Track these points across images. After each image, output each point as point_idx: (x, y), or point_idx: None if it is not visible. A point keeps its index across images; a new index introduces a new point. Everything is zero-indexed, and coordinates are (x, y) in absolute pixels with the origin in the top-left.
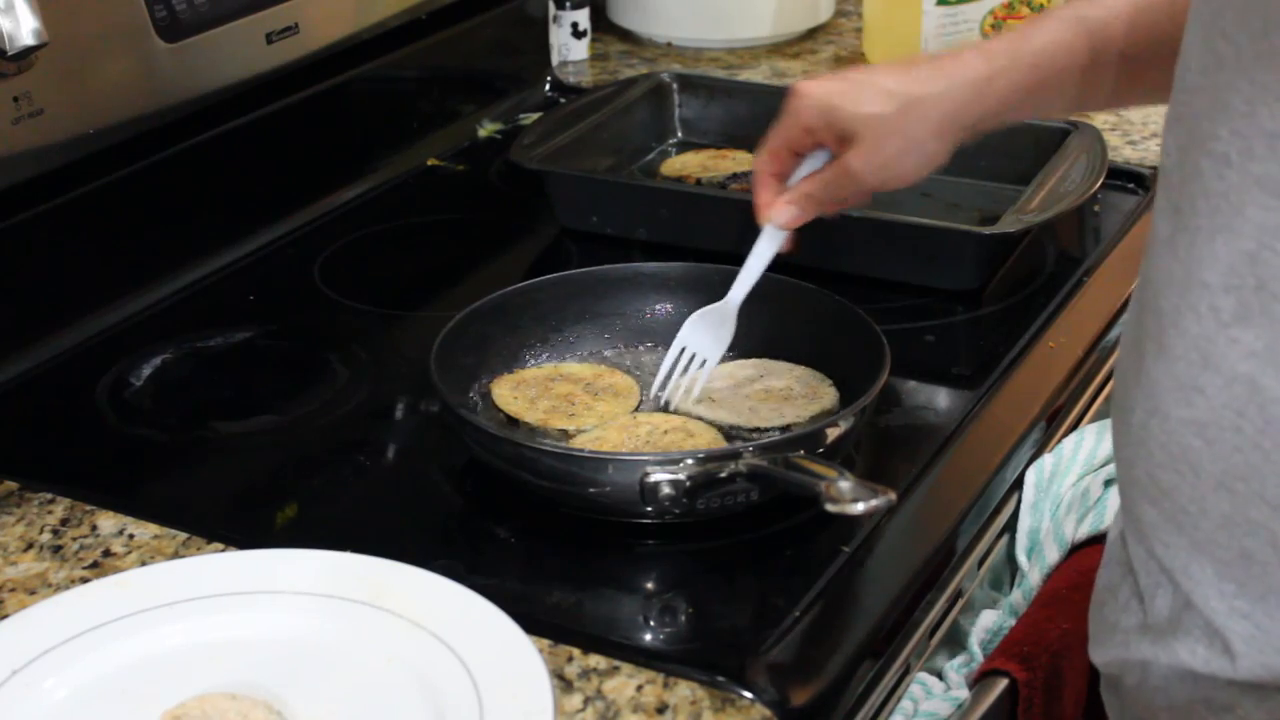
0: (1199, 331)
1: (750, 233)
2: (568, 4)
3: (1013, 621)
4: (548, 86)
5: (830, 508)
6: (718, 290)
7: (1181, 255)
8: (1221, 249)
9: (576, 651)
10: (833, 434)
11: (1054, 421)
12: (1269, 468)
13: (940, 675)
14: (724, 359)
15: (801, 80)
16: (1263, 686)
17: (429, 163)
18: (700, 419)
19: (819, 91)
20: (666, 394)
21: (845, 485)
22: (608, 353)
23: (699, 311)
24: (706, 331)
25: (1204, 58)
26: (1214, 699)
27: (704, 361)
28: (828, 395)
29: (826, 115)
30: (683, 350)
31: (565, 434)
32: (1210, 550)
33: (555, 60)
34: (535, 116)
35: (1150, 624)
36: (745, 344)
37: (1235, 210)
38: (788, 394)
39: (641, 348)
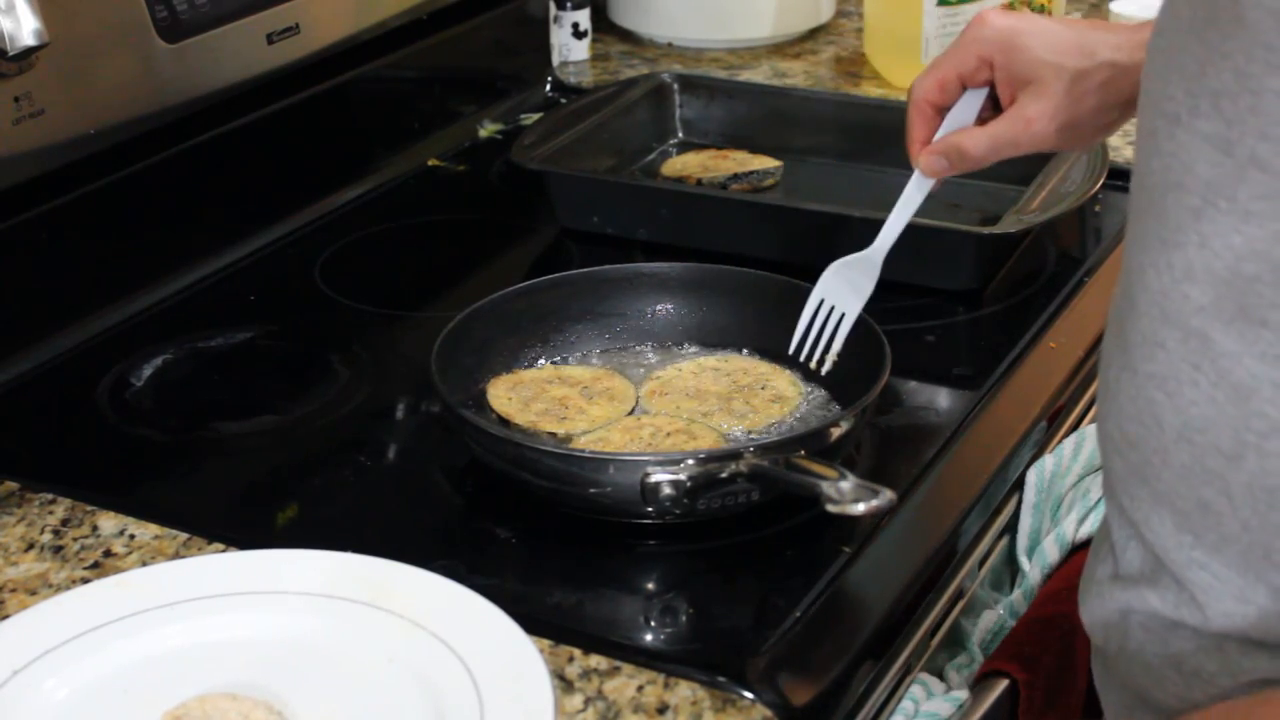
0: (1158, 287)
1: (751, 234)
2: (568, 4)
3: (1013, 622)
4: (548, 87)
5: (831, 508)
6: (718, 290)
7: (1141, 214)
8: (1171, 205)
9: (577, 652)
10: (834, 434)
11: (1055, 422)
12: (1223, 419)
13: (941, 676)
14: (705, 354)
15: (986, 10)
16: (1232, 641)
17: (430, 163)
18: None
19: (1006, 24)
20: (804, 352)
21: (846, 485)
22: (608, 353)
23: (840, 261)
24: (846, 283)
25: (1166, 20)
26: (1185, 662)
27: (842, 315)
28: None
29: (1011, 52)
30: (821, 303)
31: (555, 437)
32: (1171, 501)
33: (556, 60)
34: (536, 117)
35: (1122, 574)
36: (743, 342)
37: (1185, 168)
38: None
39: (642, 348)
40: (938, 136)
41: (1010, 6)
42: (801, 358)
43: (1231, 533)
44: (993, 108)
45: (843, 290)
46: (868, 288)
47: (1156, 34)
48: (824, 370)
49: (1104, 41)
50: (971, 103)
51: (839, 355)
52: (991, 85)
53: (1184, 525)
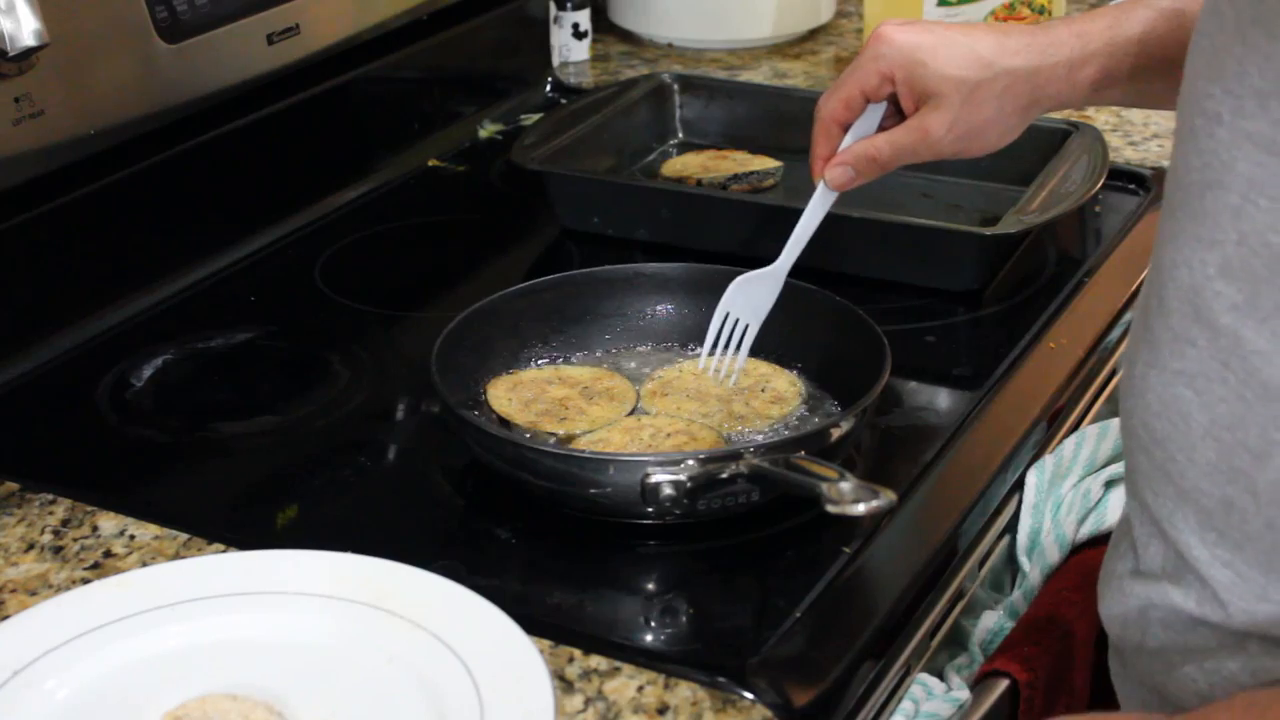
0: (1190, 284)
1: (751, 234)
2: (569, 5)
3: (1013, 622)
4: (548, 87)
5: (831, 509)
6: (718, 290)
7: (1176, 211)
8: (1210, 203)
9: (577, 652)
10: (834, 434)
11: (1055, 422)
12: (1251, 418)
13: (941, 676)
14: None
15: (886, 24)
16: (1253, 639)
17: (430, 163)
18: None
19: (906, 40)
20: (710, 367)
21: (846, 486)
22: (608, 353)
23: (742, 277)
24: (750, 298)
25: (1208, 21)
26: (1206, 659)
27: (745, 327)
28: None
29: (911, 69)
30: (726, 316)
31: (555, 438)
32: (1195, 499)
33: (556, 61)
34: (536, 117)
35: (1143, 570)
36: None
37: (1225, 166)
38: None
39: (642, 348)
40: (841, 148)
41: (1010, 7)
42: (710, 373)
43: (1255, 531)
44: (896, 114)
45: (746, 304)
46: (769, 302)
47: (1197, 35)
48: (731, 383)
49: (1004, 49)
50: (873, 116)
51: (838, 355)
52: (894, 96)
53: (1207, 523)
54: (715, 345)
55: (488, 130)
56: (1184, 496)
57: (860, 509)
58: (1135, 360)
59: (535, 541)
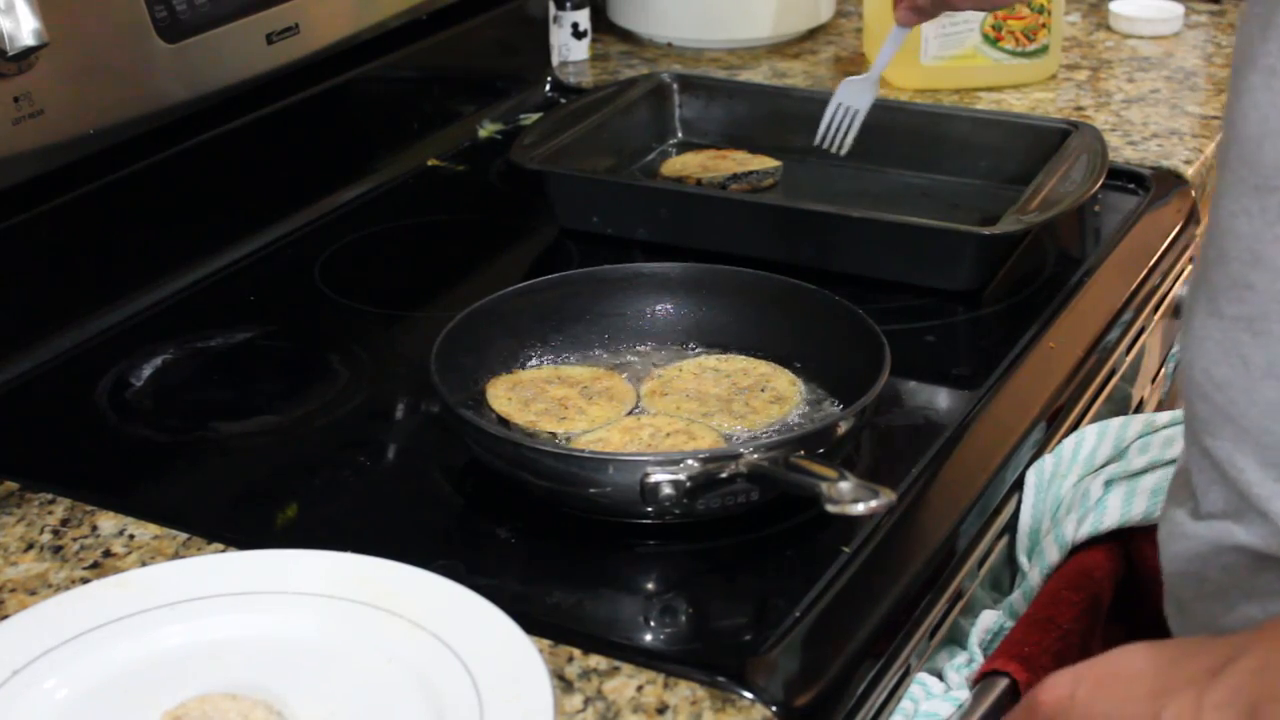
0: (1249, 232)
1: (750, 234)
2: (568, 4)
3: (1013, 622)
4: (548, 87)
5: (831, 508)
6: (718, 290)
7: (1233, 163)
8: (1268, 152)
9: (577, 652)
10: (834, 434)
11: (1054, 422)
12: None
13: (940, 676)
14: (705, 354)
15: None
16: None
17: (429, 163)
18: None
19: None
20: (827, 141)
21: (845, 486)
22: (608, 353)
23: (847, 79)
24: (855, 91)
25: None
26: (1271, 598)
27: (856, 111)
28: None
29: None
30: (839, 106)
31: (554, 437)
32: (1256, 437)
33: (555, 60)
34: (535, 117)
35: (1204, 513)
36: (743, 342)
37: None
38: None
39: (642, 348)
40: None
41: (1010, 7)
42: (825, 145)
43: None
44: None
45: (853, 96)
46: (870, 98)
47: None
48: (843, 152)
49: None
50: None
51: (838, 355)
52: None
53: (1269, 460)
54: (829, 129)
55: (487, 130)
56: (1245, 436)
57: (860, 509)
58: (1194, 311)
59: (535, 541)
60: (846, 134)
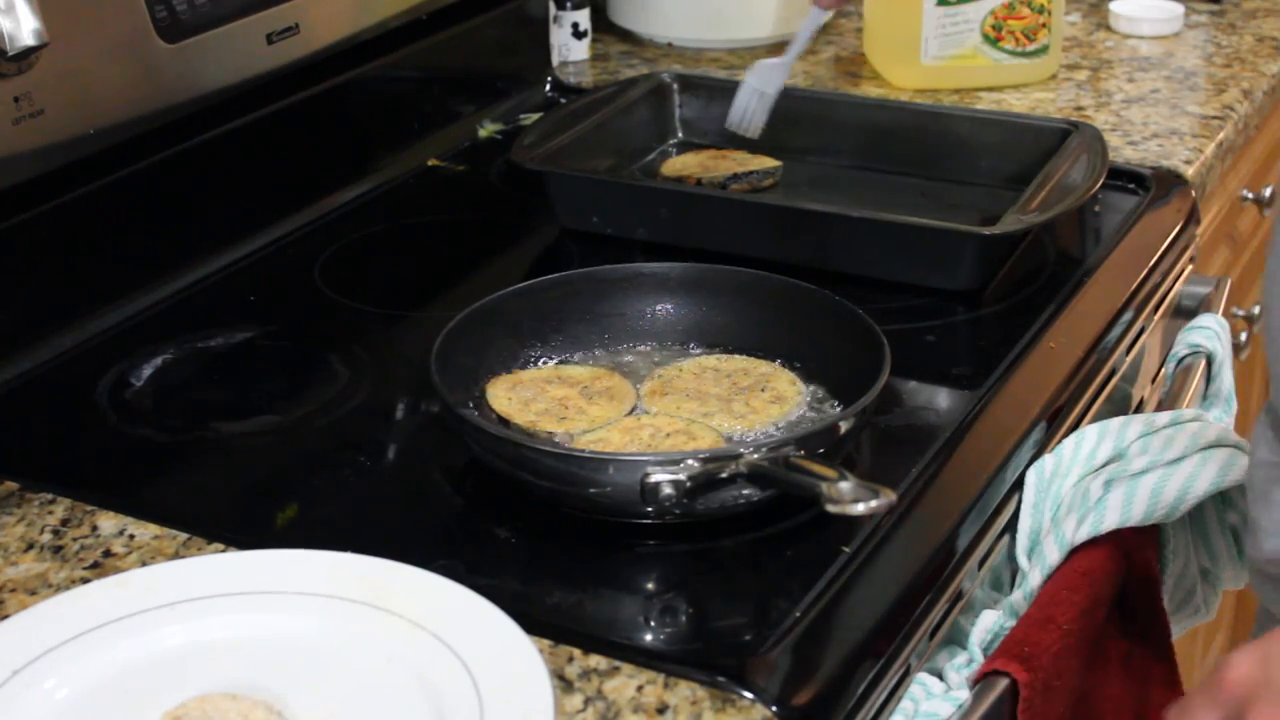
0: None
1: (750, 234)
2: (568, 4)
3: (1013, 622)
4: (548, 87)
5: (831, 508)
6: (718, 290)
7: None
8: None
9: (577, 652)
10: (834, 435)
11: (1054, 422)
12: None
13: (940, 676)
14: (705, 354)
15: None
16: None
17: (429, 163)
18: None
19: None
20: (740, 124)
21: (845, 486)
22: (608, 353)
23: (757, 63)
24: (766, 75)
25: None
26: None
27: (765, 95)
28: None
29: None
30: (750, 89)
31: (554, 437)
32: None
33: (556, 60)
34: (536, 117)
35: None
36: (743, 342)
37: None
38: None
39: (642, 348)
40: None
41: (1010, 7)
42: (738, 127)
43: None
44: None
45: (765, 79)
46: (781, 81)
47: None
48: (755, 136)
49: None
50: None
51: (838, 355)
52: None
53: None
54: (741, 112)
55: (487, 130)
56: None
57: (860, 509)
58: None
59: (535, 541)
60: (755, 117)
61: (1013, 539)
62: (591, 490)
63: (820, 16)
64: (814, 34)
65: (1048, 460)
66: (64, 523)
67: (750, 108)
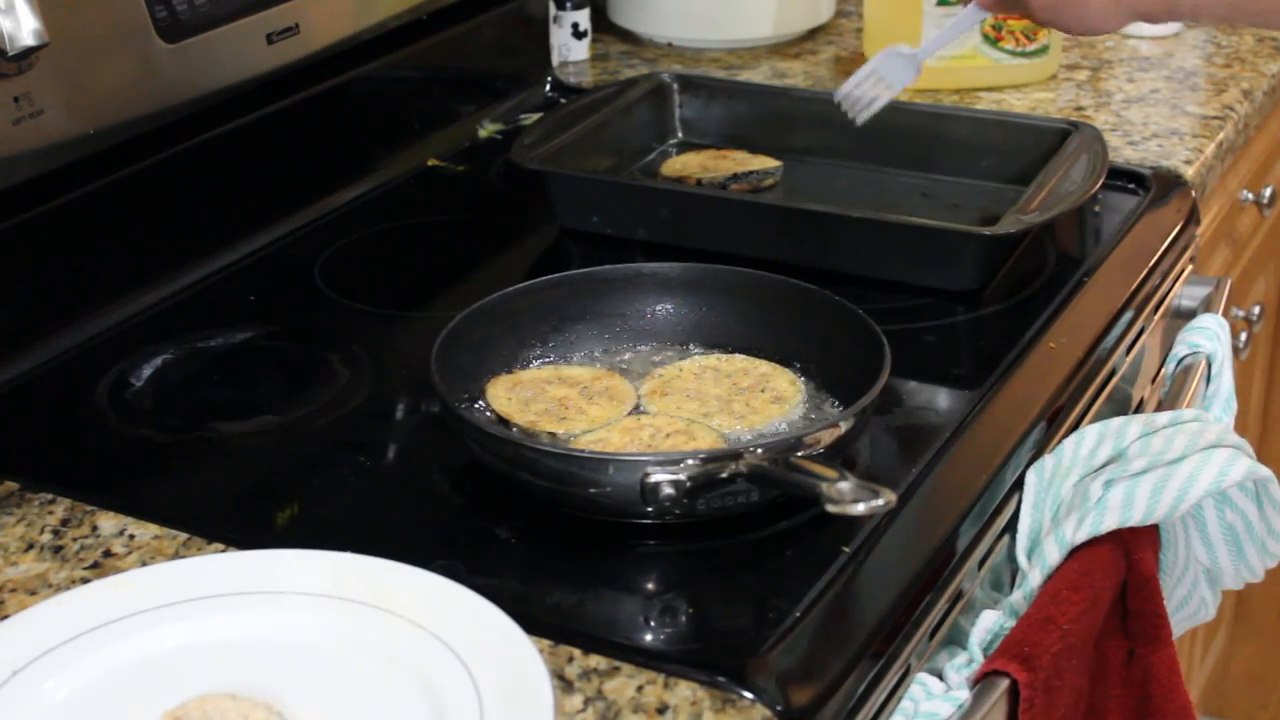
0: None
1: (751, 234)
2: (568, 4)
3: (1013, 622)
4: (548, 87)
5: (831, 508)
6: (718, 290)
7: None
8: None
9: (577, 652)
10: (833, 434)
11: (1054, 422)
12: None
13: (941, 676)
14: (705, 354)
15: None
16: None
17: (429, 163)
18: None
19: None
20: (847, 102)
21: (845, 486)
22: (608, 353)
23: (892, 48)
24: (896, 66)
25: None
26: None
27: (889, 85)
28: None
29: None
30: (873, 72)
31: (554, 437)
32: None
33: (556, 61)
34: (536, 117)
35: None
36: (743, 342)
37: None
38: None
39: (642, 348)
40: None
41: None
42: (843, 108)
43: None
44: None
45: (892, 70)
46: (909, 78)
47: None
48: (859, 122)
49: None
50: None
51: (838, 355)
52: None
53: None
54: (853, 93)
55: (487, 130)
56: None
57: (860, 509)
58: None
59: (535, 541)
60: (869, 106)
61: (1013, 539)
62: (591, 490)
63: (977, 15)
64: (959, 35)
65: (1048, 460)
66: (64, 523)
67: (866, 93)
